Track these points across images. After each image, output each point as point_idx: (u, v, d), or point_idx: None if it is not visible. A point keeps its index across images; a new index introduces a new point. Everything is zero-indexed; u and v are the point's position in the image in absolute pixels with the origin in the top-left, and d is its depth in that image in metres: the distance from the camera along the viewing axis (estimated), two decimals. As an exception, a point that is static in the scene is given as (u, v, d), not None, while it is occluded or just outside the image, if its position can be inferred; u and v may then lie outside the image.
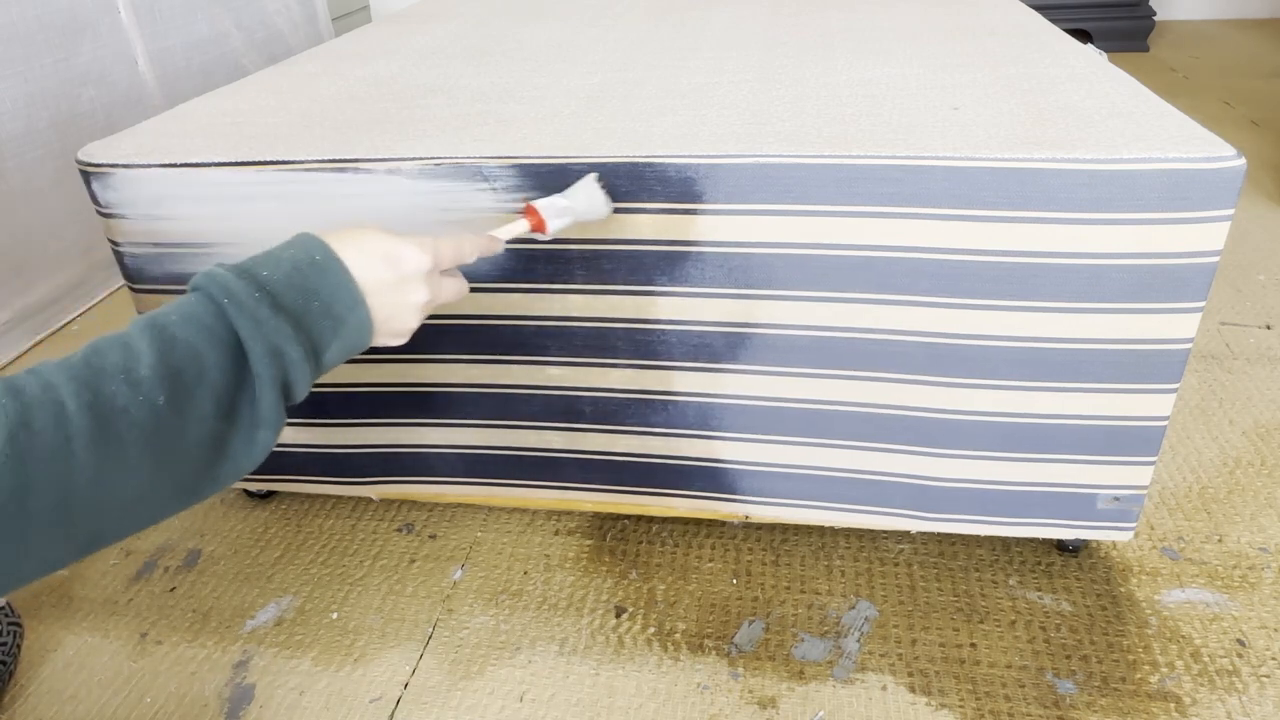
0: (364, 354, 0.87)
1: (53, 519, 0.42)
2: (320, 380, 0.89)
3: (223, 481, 0.50)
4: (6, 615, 0.84)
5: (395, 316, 0.57)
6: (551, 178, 0.74)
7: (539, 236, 0.69)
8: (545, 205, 0.69)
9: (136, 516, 0.47)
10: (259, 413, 0.49)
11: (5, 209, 1.38)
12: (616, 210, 0.74)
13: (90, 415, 0.43)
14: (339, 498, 1.05)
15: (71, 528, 0.43)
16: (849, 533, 0.95)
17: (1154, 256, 0.69)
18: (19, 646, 0.85)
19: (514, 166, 0.74)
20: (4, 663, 0.83)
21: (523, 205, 0.69)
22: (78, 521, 0.44)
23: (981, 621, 0.85)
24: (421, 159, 0.76)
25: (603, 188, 0.72)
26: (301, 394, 0.52)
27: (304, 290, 0.52)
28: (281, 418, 0.51)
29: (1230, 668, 0.79)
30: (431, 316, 0.83)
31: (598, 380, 0.84)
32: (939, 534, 0.94)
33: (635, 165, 0.73)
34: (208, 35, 1.86)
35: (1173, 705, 0.76)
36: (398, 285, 0.56)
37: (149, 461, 0.45)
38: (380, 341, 0.58)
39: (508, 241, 0.68)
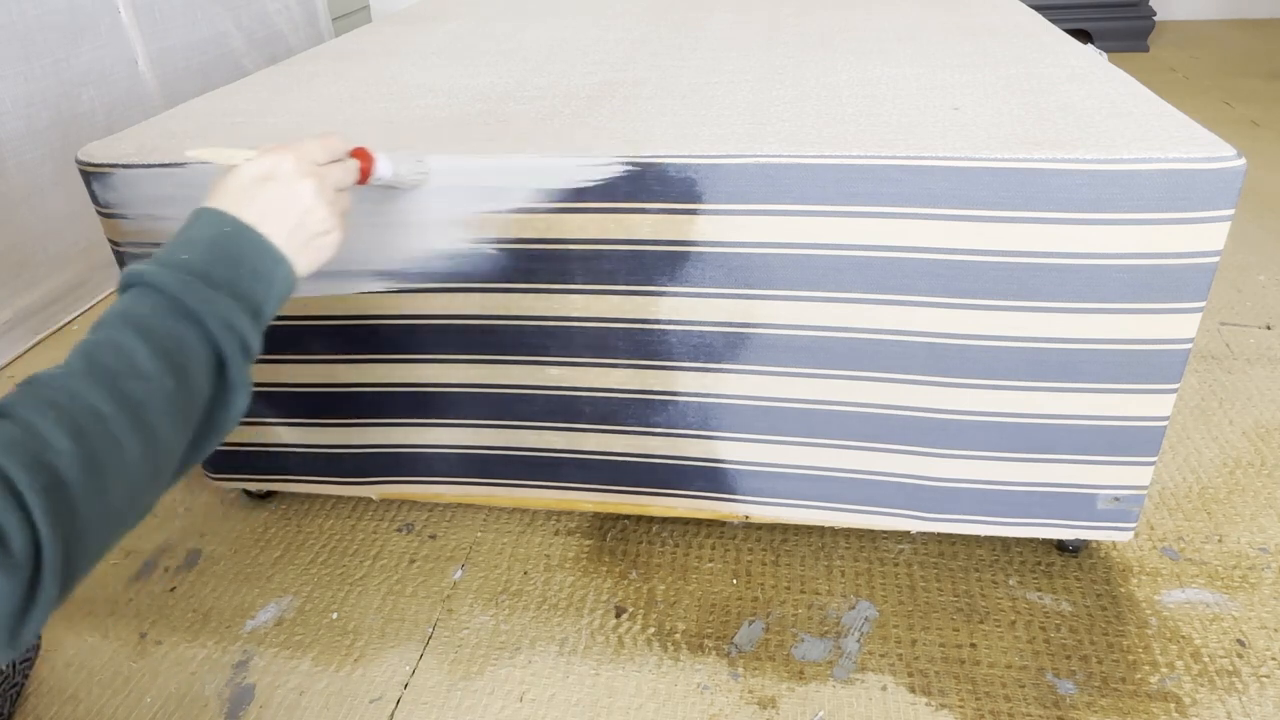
0: (363, 353, 0.87)
1: (125, 510, 0.47)
2: (320, 380, 0.89)
3: (211, 446, 0.55)
4: None
5: (307, 217, 0.59)
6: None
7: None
8: (382, 161, 0.69)
9: (162, 487, 0.51)
10: (230, 379, 0.54)
11: (5, 209, 1.38)
12: (616, 210, 0.74)
13: (126, 411, 0.47)
14: (339, 498, 1.05)
15: (131, 511, 0.48)
16: (849, 533, 0.95)
17: (1154, 256, 0.69)
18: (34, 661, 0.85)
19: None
20: (26, 677, 0.82)
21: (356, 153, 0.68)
22: (137, 504, 0.48)
23: (981, 621, 0.85)
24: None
25: (419, 164, 0.74)
26: (257, 352, 0.56)
27: (229, 260, 0.55)
28: (249, 380, 0.55)
29: (1230, 668, 0.79)
30: (432, 316, 0.83)
31: (597, 380, 0.84)
32: (939, 534, 0.94)
33: (635, 165, 0.73)
34: (208, 35, 1.86)
35: (1173, 705, 0.76)
36: (287, 189, 0.59)
37: (177, 435, 0.50)
38: (315, 258, 0.60)
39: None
